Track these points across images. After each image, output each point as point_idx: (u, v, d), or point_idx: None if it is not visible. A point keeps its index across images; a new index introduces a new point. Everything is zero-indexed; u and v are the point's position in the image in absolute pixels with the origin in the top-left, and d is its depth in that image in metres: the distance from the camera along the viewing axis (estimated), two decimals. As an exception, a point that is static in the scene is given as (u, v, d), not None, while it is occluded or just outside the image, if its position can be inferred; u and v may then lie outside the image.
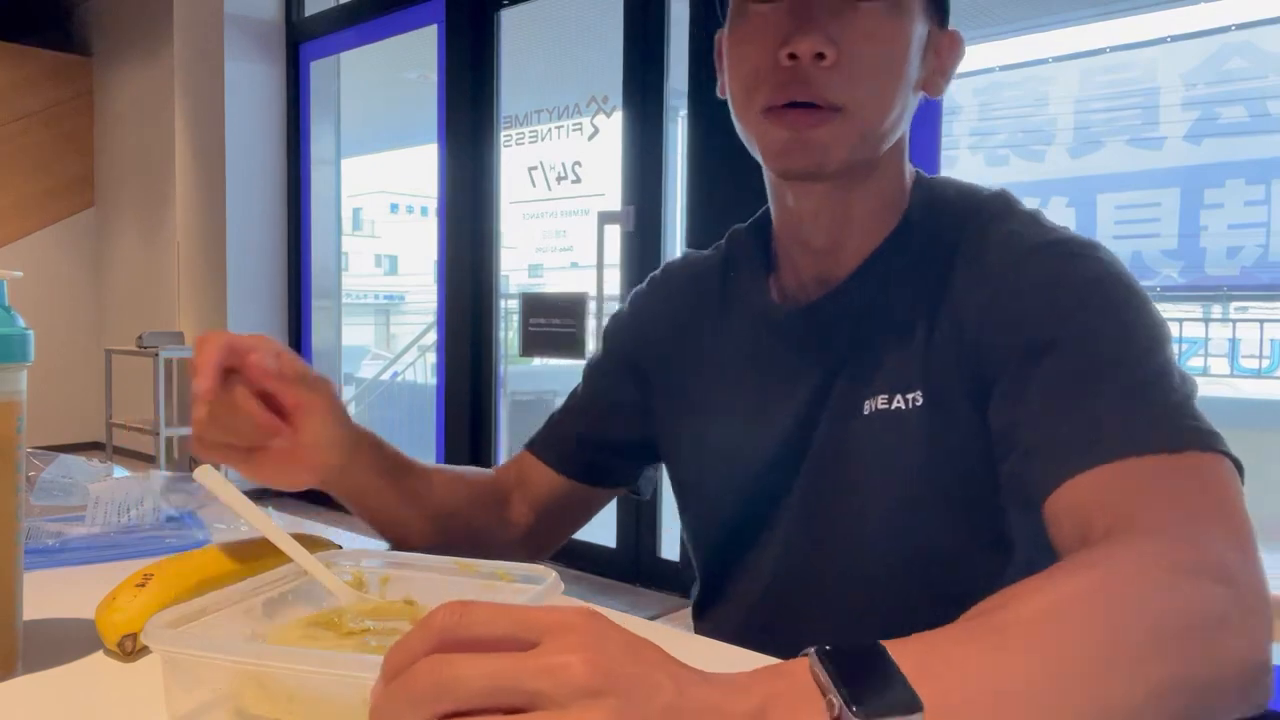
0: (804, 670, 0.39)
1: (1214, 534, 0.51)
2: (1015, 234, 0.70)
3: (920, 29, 0.71)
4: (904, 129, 0.75)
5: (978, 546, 0.72)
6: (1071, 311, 0.64)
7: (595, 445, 0.93)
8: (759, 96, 0.70)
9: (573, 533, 0.97)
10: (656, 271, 0.96)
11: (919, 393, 0.70)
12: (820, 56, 0.67)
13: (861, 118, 0.69)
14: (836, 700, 0.36)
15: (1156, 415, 0.58)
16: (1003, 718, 0.40)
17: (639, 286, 0.96)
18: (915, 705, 0.37)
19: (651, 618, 0.60)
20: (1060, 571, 0.49)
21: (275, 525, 0.64)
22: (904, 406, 0.71)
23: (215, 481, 0.63)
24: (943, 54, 0.76)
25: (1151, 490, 0.55)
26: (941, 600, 0.60)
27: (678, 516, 1.07)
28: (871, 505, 0.73)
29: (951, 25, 0.77)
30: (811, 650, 0.39)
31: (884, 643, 0.40)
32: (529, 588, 0.61)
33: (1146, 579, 0.47)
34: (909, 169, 0.79)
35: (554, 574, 0.62)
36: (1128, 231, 3.29)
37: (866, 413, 0.73)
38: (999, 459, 0.65)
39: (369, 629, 0.58)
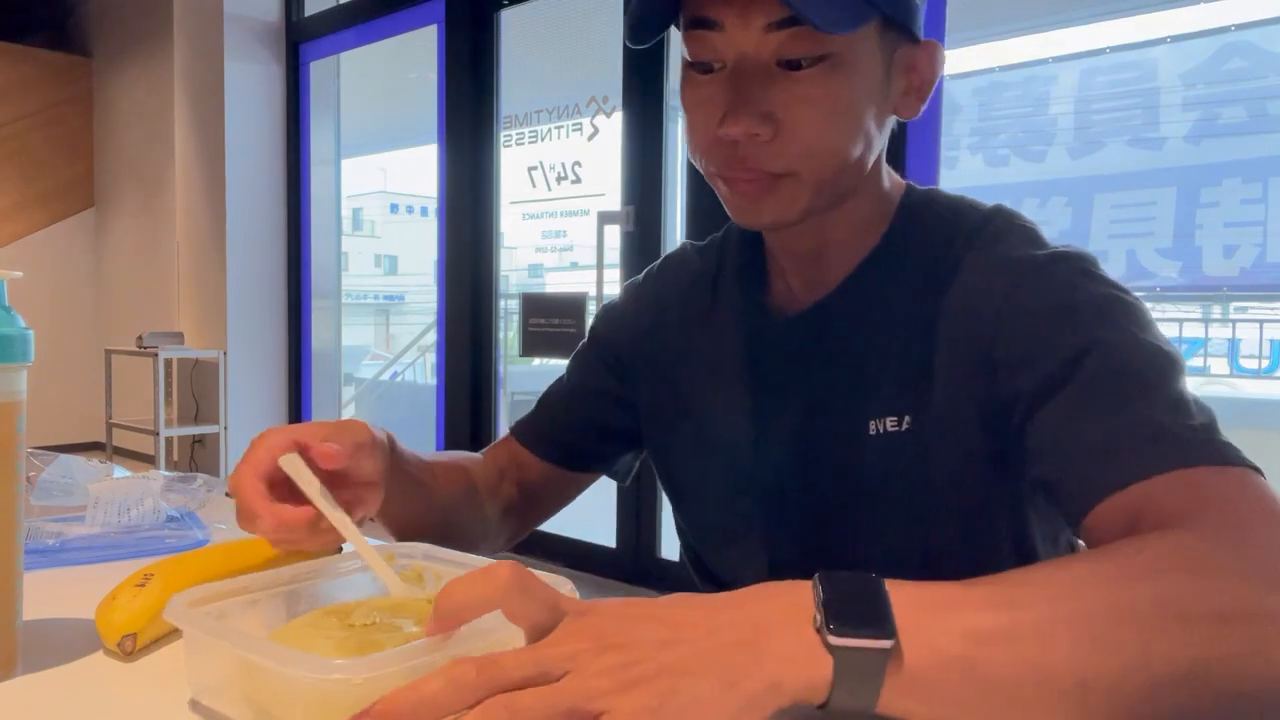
0: (806, 589, 0.44)
1: (1270, 536, 0.50)
2: (1014, 251, 0.70)
3: (877, 67, 0.68)
4: (874, 156, 0.73)
5: (979, 553, 0.73)
6: (1091, 327, 0.63)
7: (573, 429, 0.95)
8: (709, 164, 0.71)
9: (554, 513, 1.00)
10: (654, 265, 0.96)
11: (909, 415, 0.71)
12: (757, 134, 0.66)
13: (813, 176, 0.69)
14: (819, 616, 0.41)
15: (1198, 433, 0.57)
16: (978, 662, 0.41)
17: (635, 279, 0.97)
18: (888, 632, 0.41)
19: (651, 618, 0.60)
20: (1093, 551, 0.51)
21: (346, 519, 0.64)
22: (902, 428, 0.71)
23: (299, 469, 0.64)
24: (919, 69, 0.71)
25: (1203, 495, 0.54)
26: None
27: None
28: (881, 522, 0.74)
29: (945, 37, 0.74)
30: (818, 574, 0.44)
31: (888, 580, 0.44)
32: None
33: (1178, 561, 0.46)
34: (892, 182, 0.79)
35: (569, 583, 0.62)
36: (1125, 230, 3.29)
37: (872, 433, 0.72)
38: (1029, 467, 0.64)
39: (375, 623, 0.59)
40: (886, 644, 0.40)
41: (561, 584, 0.61)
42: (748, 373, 0.81)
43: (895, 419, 0.71)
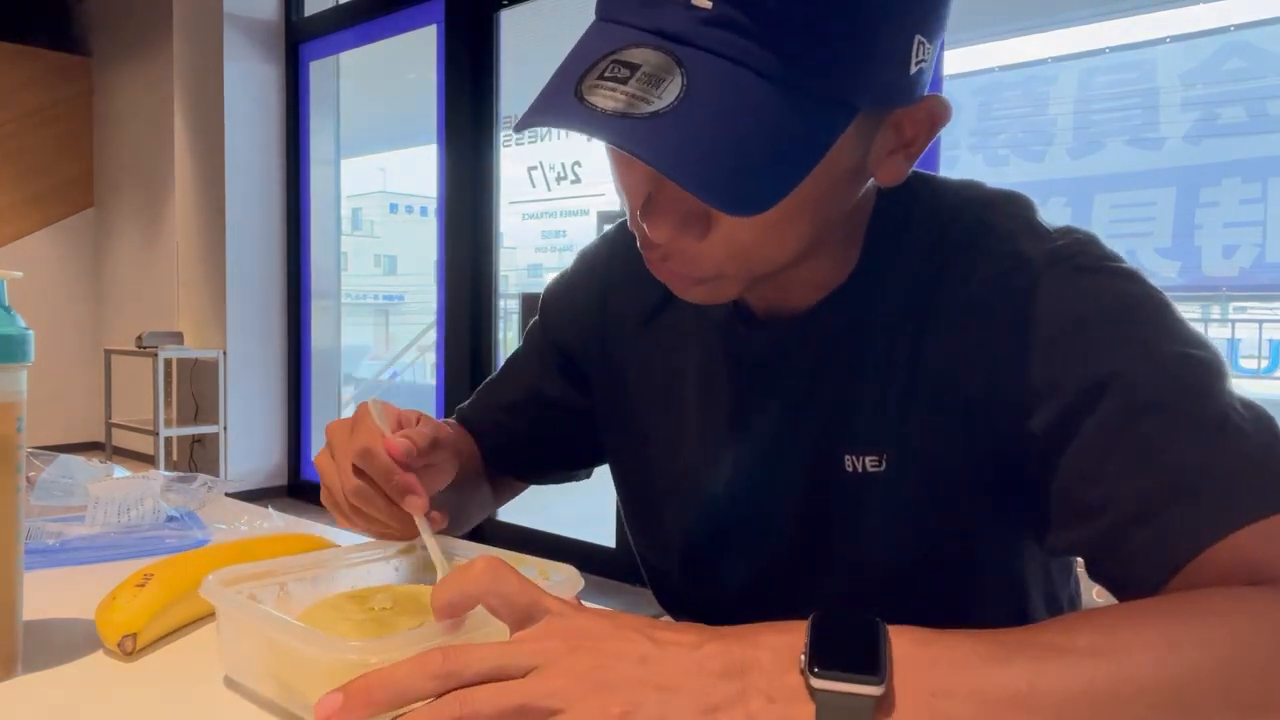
0: (802, 630, 0.41)
1: None
2: (1000, 264, 0.60)
3: (852, 153, 0.54)
4: (839, 218, 0.61)
5: (963, 587, 0.68)
6: (1102, 350, 0.54)
7: (523, 442, 0.89)
8: (632, 227, 0.60)
9: (509, 499, 0.97)
10: (611, 228, 0.86)
11: (889, 452, 0.64)
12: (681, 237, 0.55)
13: (746, 275, 0.58)
14: (804, 657, 0.39)
15: (1255, 466, 0.50)
16: (984, 713, 0.39)
17: (586, 249, 0.88)
18: (877, 678, 0.38)
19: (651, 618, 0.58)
20: (1143, 607, 0.44)
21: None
22: (881, 468, 0.64)
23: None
24: (916, 127, 0.56)
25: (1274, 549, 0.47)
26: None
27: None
28: (851, 558, 0.68)
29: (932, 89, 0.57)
30: (814, 613, 0.42)
31: (896, 627, 0.41)
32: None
33: (1237, 630, 0.41)
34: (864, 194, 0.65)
35: (578, 579, 0.63)
36: (1124, 230, 3.29)
37: (849, 469, 0.65)
38: (1058, 532, 0.56)
39: (392, 608, 0.61)
40: (874, 691, 0.38)
41: (572, 581, 0.62)
42: (713, 391, 0.73)
43: (875, 459, 0.64)
